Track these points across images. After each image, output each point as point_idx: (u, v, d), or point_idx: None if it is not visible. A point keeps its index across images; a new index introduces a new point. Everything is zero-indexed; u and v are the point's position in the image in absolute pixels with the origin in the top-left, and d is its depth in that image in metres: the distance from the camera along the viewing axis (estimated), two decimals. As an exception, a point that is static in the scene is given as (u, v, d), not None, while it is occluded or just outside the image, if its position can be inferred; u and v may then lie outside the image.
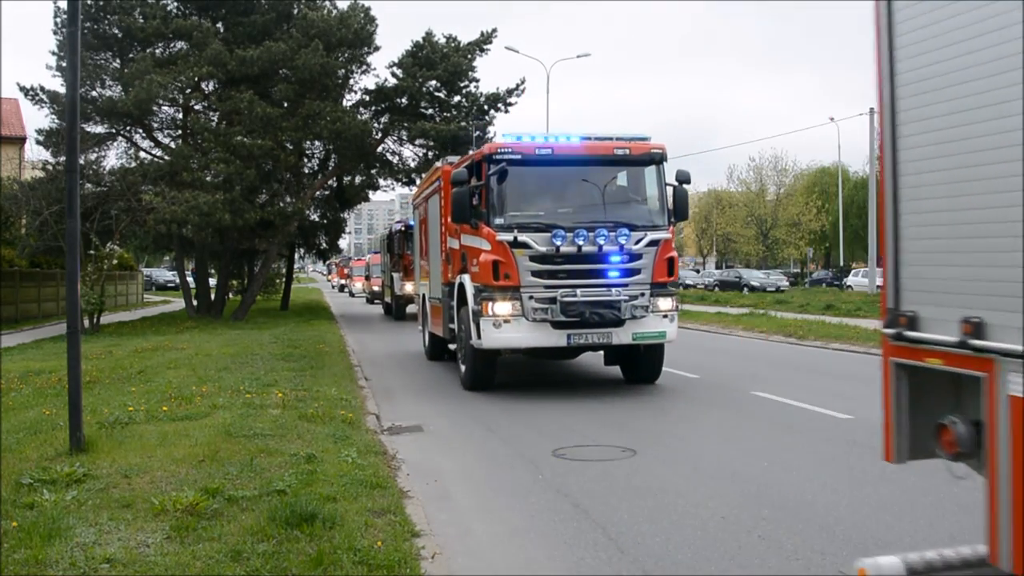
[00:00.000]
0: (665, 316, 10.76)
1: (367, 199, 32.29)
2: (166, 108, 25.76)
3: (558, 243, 10.21)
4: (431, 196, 14.27)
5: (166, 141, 27.12)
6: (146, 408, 8.83)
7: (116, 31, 24.54)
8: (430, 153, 26.81)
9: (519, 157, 10.54)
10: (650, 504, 5.86)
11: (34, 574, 4.27)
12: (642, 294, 10.56)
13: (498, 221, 10.48)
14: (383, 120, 27.31)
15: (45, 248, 23.64)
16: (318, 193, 29.45)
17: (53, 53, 24.65)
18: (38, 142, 25.10)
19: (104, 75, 24.69)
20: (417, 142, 27.33)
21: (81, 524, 4.97)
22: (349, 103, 26.95)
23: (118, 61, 25.30)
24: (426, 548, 4.78)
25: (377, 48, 26.38)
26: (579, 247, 10.28)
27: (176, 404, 9.10)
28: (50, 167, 24.00)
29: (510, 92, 27.07)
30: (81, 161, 21.44)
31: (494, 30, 26.91)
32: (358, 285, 48.85)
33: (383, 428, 8.82)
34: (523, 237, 10.31)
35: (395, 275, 27.17)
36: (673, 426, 8.83)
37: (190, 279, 30.43)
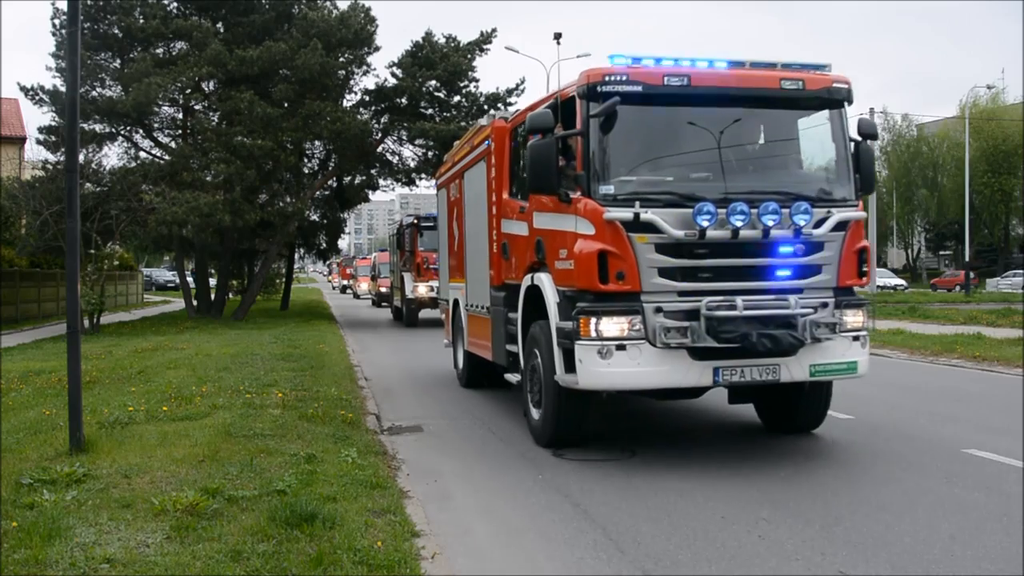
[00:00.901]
0: (856, 338, 7.25)
1: (367, 199, 32.24)
2: (166, 108, 25.79)
3: (704, 224, 6.65)
4: (471, 166, 10.52)
5: (166, 141, 27.15)
6: (146, 408, 8.82)
7: (116, 31, 24.55)
8: (430, 153, 26.83)
9: (639, 90, 6.91)
10: (650, 504, 5.86)
11: (34, 574, 4.27)
12: (824, 304, 7.10)
13: (605, 190, 6.86)
14: (383, 120, 27.31)
15: (45, 248, 23.64)
16: (318, 193, 29.45)
17: (52, 55, 24.70)
18: (38, 142, 25.15)
19: (104, 75, 24.70)
20: (417, 142, 27.33)
21: (81, 524, 4.97)
22: (349, 103, 26.98)
23: (118, 61, 25.31)
24: (426, 548, 4.79)
25: (377, 48, 26.41)
26: (735, 231, 6.74)
27: (176, 404, 9.10)
28: (50, 167, 24.01)
29: (510, 92, 27.07)
30: (81, 160, 21.46)
31: (494, 30, 26.94)
32: (363, 286, 46.29)
33: (383, 428, 8.82)
34: (648, 215, 6.70)
35: (405, 275, 24.38)
36: (673, 426, 8.82)
37: (190, 279, 30.43)
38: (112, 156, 46.88)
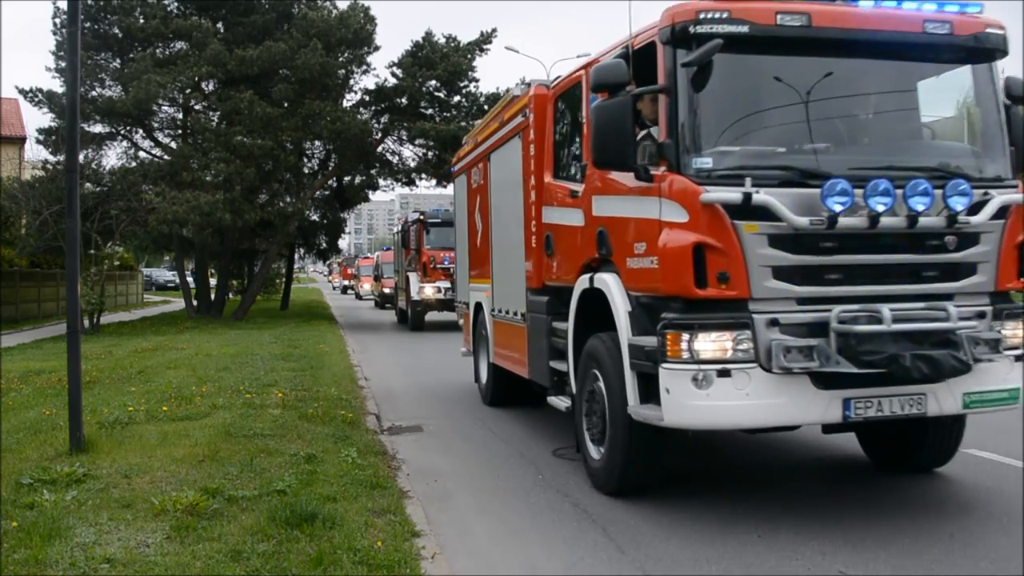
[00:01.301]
0: (1018, 358, 5.57)
1: (367, 199, 32.22)
2: (166, 108, 25.82)
3: (836, 209, 5.04)
4: (500, 145, 8.96)
5: (166, 141, 27.17)
6: (146, 408, 8.83)
7: (116, 31, 24.57)
8: (430, 153, 26.83)
9: (745, 30, 5.26)
10: (650, 504, 5.86)
11: (34, 574, 4.28)
12: (981, 314, 5.49)
13: (700, 163, 5.22)
14: (383, 120, 27.33)
15: (45, 248, 23.66)
16: (318, 193, 29.45)
17: (53, 53, 24.71)
18: (38, 141, 25.17)
19: (104, 75, 24.73)
20: (417, 142, 27.33)
21: (81, 524, 4.97)
22: (349, 103, 26.99)
23: (118, 61, 25.33)
24: (426, 548, 4.79)
25: (377, 48, 26.41)
26: (874, 217, 5.13)
27: (176, 404, 9.10)
28: (50, 167, 24.03)
29: (510, 92, 27.05)
30: (81, 160, 21.46)
31: (494, 30, 26.92)
32: (366, 287, 45.08)
33: (383, 428, 8.82)
34: (762, 196, 5.04)
35: (411, 275, 22.97)
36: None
37: (190, 279, 30.45)
38: (112, 156, 46.83)
